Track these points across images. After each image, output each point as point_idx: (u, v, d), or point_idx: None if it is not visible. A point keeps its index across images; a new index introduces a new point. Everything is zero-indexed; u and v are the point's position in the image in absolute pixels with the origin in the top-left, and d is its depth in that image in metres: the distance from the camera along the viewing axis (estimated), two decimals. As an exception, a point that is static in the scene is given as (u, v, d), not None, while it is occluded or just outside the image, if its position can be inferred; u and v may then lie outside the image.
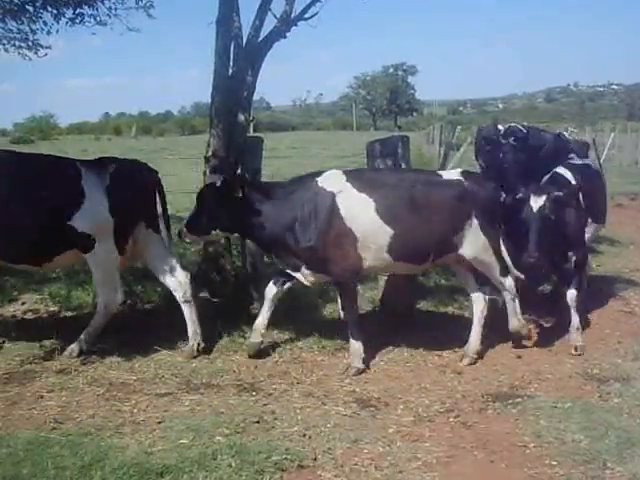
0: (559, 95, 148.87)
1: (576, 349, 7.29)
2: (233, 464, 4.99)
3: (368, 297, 8.83)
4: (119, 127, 69.95)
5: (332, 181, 7.01)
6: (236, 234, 7.80)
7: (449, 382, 6.60)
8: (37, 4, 7.98)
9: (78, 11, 8.18)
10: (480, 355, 7.20)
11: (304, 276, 7.06)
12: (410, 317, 8.10)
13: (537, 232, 7.07)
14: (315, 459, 5.17)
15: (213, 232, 7.29)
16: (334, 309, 8.36)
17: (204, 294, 8.22)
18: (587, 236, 8.14)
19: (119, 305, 7.41)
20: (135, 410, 6.02)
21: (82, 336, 7.17)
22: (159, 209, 7.42)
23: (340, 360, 7.11)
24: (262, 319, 7.24)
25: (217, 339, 7.60)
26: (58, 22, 8.30)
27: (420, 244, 7.01)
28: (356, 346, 6.95)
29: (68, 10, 8.18)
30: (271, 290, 7.20)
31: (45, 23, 8.34)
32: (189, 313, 7.31)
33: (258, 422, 5.77)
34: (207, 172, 8.02)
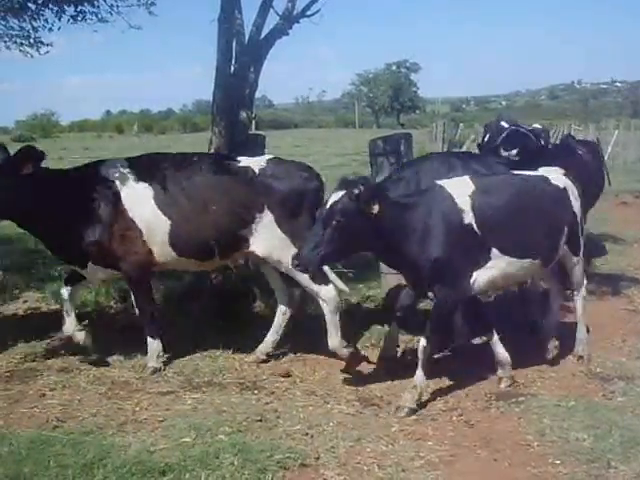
0: (562, 92, 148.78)
1: (581, 358, 7.11)
2: (235, 463, 4.97)
3: (370, 295, 8.82)
4: (121, 125, 70.00)
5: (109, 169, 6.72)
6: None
7: (452, 381, 6.58)
8: (39, 2, 7.96)
9: (79, 8, 8.17)
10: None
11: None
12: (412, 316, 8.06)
13: None
14: (318, 458, 5.15)
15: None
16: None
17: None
18: None
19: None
20: (137, 409, 6.01)
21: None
22: None
23: (343, 359, 7.09)
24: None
25: (219, 338, 7.58)
26: (60, 19, 8.30)
27: (201, 238, 6.66)
28: (153, 345, 6.82)
29: (70, 7, 8.16)
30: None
31: (47, 21, 8.33)
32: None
33: (260, 421, 5.76)
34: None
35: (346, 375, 6.74)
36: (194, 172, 6.74)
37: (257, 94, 9.36)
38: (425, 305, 8.31)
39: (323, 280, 6.81)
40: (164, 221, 6.59)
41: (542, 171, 6.92)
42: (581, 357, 7.05)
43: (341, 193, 5.76)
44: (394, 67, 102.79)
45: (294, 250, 6.30)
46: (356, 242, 5.92)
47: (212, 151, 8.13)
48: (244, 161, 6.93)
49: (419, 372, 6.06)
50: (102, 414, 5.92)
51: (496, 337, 6.53)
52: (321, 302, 6.90)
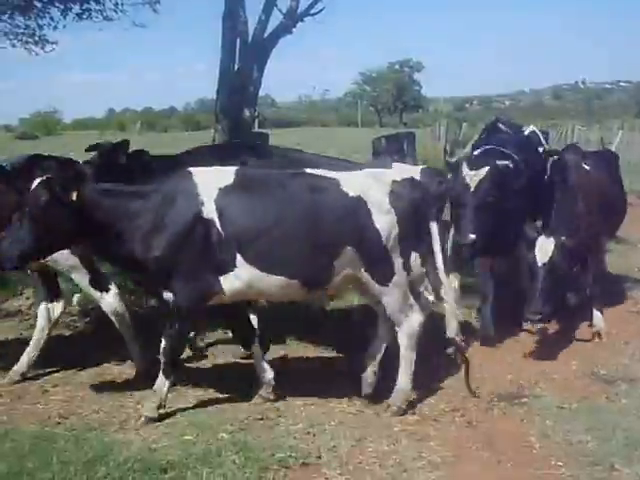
0: (567, 92, 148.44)
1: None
2: (237, 461, 4.97)
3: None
4: (123, 123, 69.85)
5: None
6: None
7: (454, 381, 6.56)
8: (45, 0, 7.97)
9: (85, 6, 8.19)
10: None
11: None
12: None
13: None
14: (319, 457, 5.15)
15: None
16: (337, 308, 8.34)
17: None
18: None
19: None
20: (139, 406, 6.00)
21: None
22: None
23: (344, 358, 7.07)
24: None
25: (218, 336, 7.58)
26: (65, 17, 8.32)
27: None
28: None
29: (75, 5, 8.18)
30: None
31: (52, 18, 8.35)
32: None
33: (262, 419, 5.76)
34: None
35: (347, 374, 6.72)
36: None
37: (260, 92, 9.36)
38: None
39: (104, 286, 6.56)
40: None
41: (394, 170, 6.27)
42: (397, 408, 5.94)
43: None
44: (397, 66, 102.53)
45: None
46: (57, 234, 5.41)
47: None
48: None
49: (160, 377, 5.76)
50: (104, 411, 5.93)
51: None
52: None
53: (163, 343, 5.72)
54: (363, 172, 6.12)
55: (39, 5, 7.98)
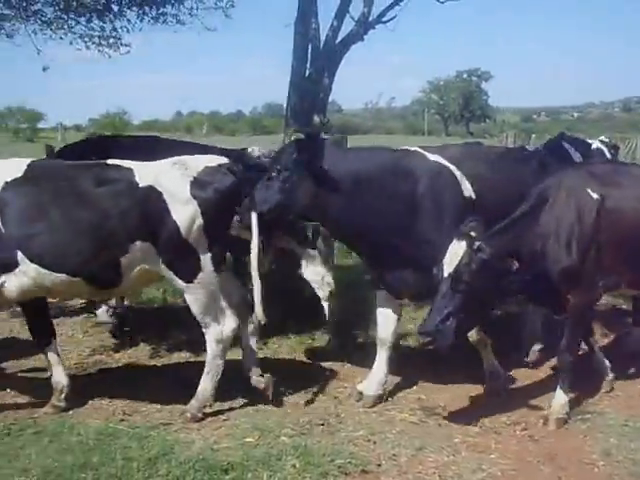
0: (637, 105, 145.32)
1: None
2: (297, 465, 5.00)
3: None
4: (190, 125, 70.82)
5: None
6: None
7: (516, 393, 6.48)
8: (123, 3, 8.15)
9: (161, 10, 8.35)
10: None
11: None
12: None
13: None
14: (379, 465, 5.15)
15: None
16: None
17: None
18: None
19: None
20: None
21: None
22: None
23: (408, 366, 7.03)
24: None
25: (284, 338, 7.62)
26: (141, 21, 8.49)
27: None
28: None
29: (151, 9, 8.33)
30: None
31: (129, 21, 8.53)
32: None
33: (323, 424, 5.78)
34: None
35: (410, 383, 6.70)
36: None
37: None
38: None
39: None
40: None
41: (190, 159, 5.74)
42: (192, 415, 5.87)
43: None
44: (465, 75, 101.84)
45: None
46: None
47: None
48: None
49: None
50: (167, 410, 6.02)
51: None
52: None
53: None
54: (166, 160, 5.72)
55: (116, 9, 8.16)
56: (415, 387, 6.63)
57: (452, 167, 6.14)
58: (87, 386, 6.45)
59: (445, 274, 5.43)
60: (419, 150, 6.33)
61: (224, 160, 5.84)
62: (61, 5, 7.79)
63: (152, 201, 5.39)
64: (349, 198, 5.76)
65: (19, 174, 5.45)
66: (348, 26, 9.41)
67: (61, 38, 9.95)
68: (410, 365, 6.97)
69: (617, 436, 5.65)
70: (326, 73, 8.73)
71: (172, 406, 6.09)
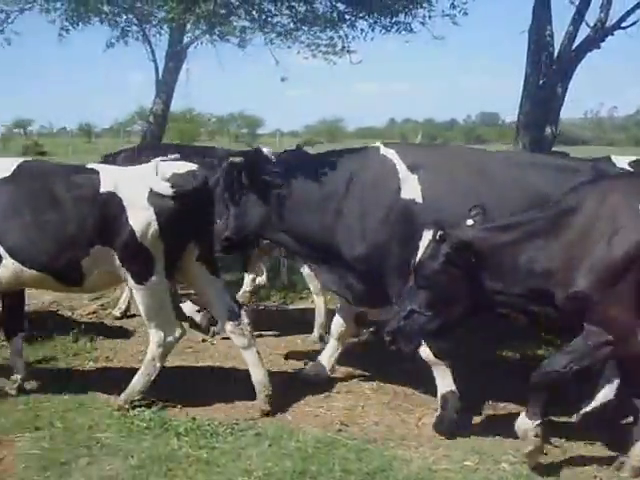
0: None
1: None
2: (519, 497, 4.72)
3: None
4: (405, 133, 70.98)
5: None
6: None
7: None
8: (356, 13, 8.16)
9: (394, 20, 8.26)
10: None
11: None
12: None
13: None
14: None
15: None
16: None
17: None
18: None
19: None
20: (420, 423, 5.93)
21: None
22: None
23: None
24: None
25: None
26: (373, 30, 8.47)
27: None
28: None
29: (385, 19, 8.28)
30: None
31: (362, 31, 8.50)
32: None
33: (545, 454, 5.43)
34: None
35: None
36: None
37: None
38: None
39: None
40: None
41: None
42: (122, 403, 5.98)
43: None
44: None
45: None
46: None
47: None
48: None
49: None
50: (384, 424, 5.91)
51: None
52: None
53: None
54: (130, 167, 6.03)
55: (351, 19, 8.17)
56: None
57: (400, 167, 5.80)
58: (305, 393, 6.49)
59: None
60: (372, 149, 6.08)
61: (193, 167, 5.95)
62: (298, 17, 7.93)
63: (111, 206, 5.64)
64: (294, 209, 5.89)
65: (6, 174, 5.79)
66: (583, 33, 8.96)
67: (289, 47, 10.17)
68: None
69: None
70: (560, 82, 8.35)
71: (390, 420, 5.98)
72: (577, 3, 8.88)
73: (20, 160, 6.13)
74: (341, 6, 8.12)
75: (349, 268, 5.94)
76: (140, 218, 5.62)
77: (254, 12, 7.28)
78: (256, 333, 6.47)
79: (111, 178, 5.73)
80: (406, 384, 6.70)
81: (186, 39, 9.56)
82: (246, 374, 6.19)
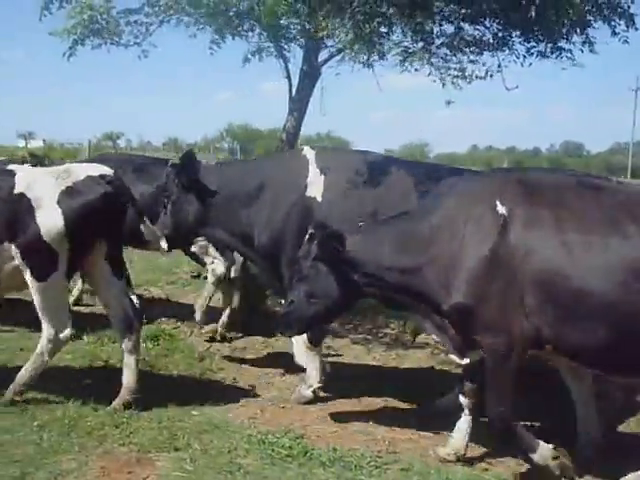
0: None
1: None
2: None
3: None
4: (490, 160, 70.12)
5: None
6: None
7: None
8: (513, 36, 7.92)
9: (556, 45, 7.95)
10: None
11: None
12: None
13: None
14: None
15: None
16: None
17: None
18: None
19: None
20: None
21: None
22: None
23: None
24: None
25: None
26: (530, 55, 8.17)
27: None
28: None
29: (544, 43, 7.96)
30: None
31: (517, 56, 8.22)
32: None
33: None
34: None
35: None
36: None
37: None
38: None
39: None
40: None
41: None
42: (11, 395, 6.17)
43: None
44: None
45: None
46: None
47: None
48: None
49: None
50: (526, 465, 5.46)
51: None
52: None
53: None
54: (46, 169, 6.48)
55: (505, 43, 7.93)
56: None
57: (312, 168, 6.47)
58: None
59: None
60: (297, 151, 7.06)
61: (107, 170, 6.32)
62: (455, 43, 7.75)
63: (22, 206, 5.94)
64: (221, 210, 6.61)
65: None
66: None
67: (416, 70, 10.04)
68: None
69: None
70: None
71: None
72: None
73: None
74: (497, 28, 7.89)
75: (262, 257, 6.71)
76: (47, 217, 5.92)
77: (415, 32, 7.14)
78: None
79: (25, 179, 6.06)
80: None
81: (323, 56, 9.52)
82: (385, 405, 6.10)
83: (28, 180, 6.06)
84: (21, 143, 49.80)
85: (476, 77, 10.32)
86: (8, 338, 8.09)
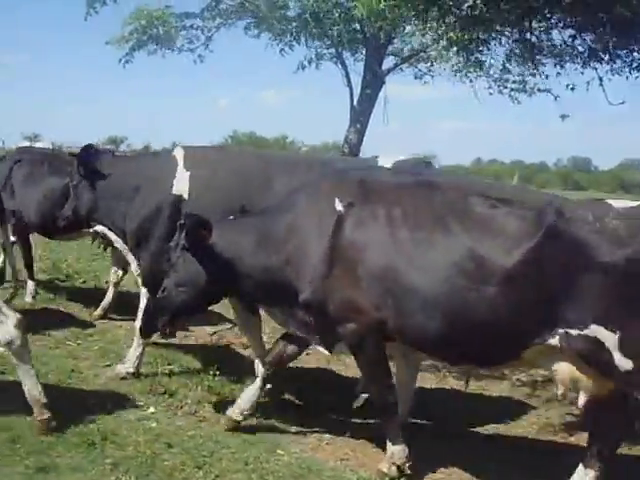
0: None
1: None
2: None
3: None
4: (499, 174, 69.64)
5: None
6: None
7: None
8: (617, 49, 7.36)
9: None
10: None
11: None
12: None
13: None
14: None
15: None
16: None
17: None
18: None
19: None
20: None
21: None
22: None
23: None
24: None
25: None
26: (631, 66, 7.62)
27: None
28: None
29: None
30: None
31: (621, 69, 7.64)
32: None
33: None
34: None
35: None
36: None
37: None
38: None
39: None
40: None
41: None
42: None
43: None
44: None
45: None
46: None
47: None
48: None
49: None
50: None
51: None
52: None
53: None
54: None
55: (606, 56, 7.36)
56: None
57: (179, 166, 6.75)
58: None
59: None
60: (168, 151, 7.50)
61: None
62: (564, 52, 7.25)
63: None
64: (108, 200, 7.09)
65: None
66: None
67: (470, 81, 9.61)
68: None
69: None
70: None
71: None
72: None
73: None
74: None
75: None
76: None
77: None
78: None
79: None
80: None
81: (387, 65, 9.08)
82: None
83: None
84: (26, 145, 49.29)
85: (538, 90, 10.08)
86: (56, 355, 7.55)
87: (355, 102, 9.09)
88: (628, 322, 4.42)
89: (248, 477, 5.16)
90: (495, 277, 4.66)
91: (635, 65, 7.15)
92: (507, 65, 9.21)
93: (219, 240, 5.56)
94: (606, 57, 7.00)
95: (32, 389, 5.51)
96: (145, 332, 7.00)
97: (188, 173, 6.71)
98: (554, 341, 4.61)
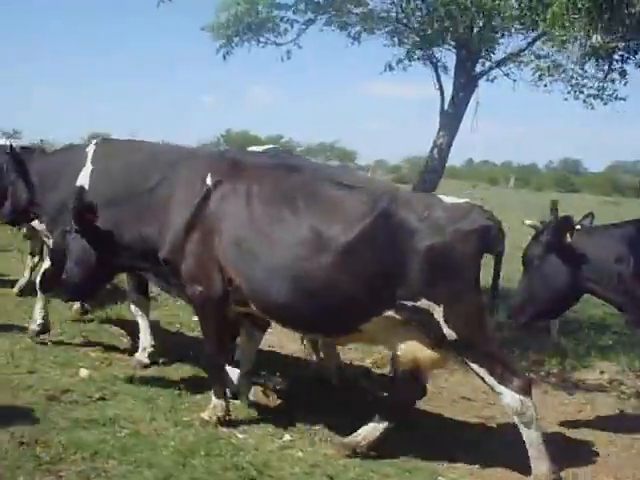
0: None
1: None
2: None
3: None
4: (495, 176, 69.34)
5: None
6: None
7: None
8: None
9: None
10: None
11: None
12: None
13: None
14: None
15: None
16: None
17: None
18: None
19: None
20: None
21: None
22: None
23: None
24: None
25: None
26: None
27: None
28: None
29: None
30: None
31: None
32: None
33: None
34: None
35: None
36: None
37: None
38: None
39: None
40: None
41: None
42: None
43: None
44: None
45: None
46: None
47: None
48: None
49: None
50: None
51: None
52: None
53: None
54: None
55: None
56: None
57: (87, 159, 7.49)
58: None
59: None
60: (85, 145, 8.15)
61: None
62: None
63: None
64: (38, 192, 7.81)
65: None
66: None
67: (545, 86, 9.23)
68: None
69: None
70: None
71: None
72: None
73: None
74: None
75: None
76: None
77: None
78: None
79: None
80: None
81: (480, 68, 8.59)
82: None
83: None
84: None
85: (616, 98, 9.71)
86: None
87: (446, 106, 8.59)
88: (449, 297, 5.23)
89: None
90: (332, 251, 5.33)
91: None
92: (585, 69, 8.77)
93: (105, 221, 6.19)
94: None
95: None
96: (43, 288, 7.80)
97: (91, 167, 7.44)
98: (391, 313, 5.33)
